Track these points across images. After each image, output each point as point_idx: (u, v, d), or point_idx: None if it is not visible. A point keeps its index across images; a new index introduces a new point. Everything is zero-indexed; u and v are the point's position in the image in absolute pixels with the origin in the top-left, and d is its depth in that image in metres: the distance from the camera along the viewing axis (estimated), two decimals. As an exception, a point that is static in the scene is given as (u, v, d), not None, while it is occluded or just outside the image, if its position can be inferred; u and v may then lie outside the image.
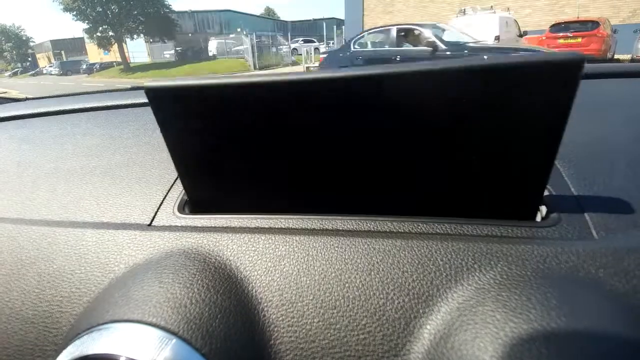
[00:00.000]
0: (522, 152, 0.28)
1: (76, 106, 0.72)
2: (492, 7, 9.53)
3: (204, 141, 0.33)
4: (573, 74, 0.24)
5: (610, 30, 8.49)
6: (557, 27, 8.51)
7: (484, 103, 0.27)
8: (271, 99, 0.30)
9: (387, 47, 6.45)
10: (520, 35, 9.77)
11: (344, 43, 7.46)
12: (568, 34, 8.17)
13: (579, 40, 8.04)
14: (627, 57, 8.48)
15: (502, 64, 0.25)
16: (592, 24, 8.13)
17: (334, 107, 0.29)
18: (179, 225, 0.36)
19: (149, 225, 0.37)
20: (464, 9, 9.54)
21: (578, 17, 8.90)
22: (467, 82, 0.26)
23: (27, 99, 1.00)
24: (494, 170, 0.30)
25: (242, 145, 0.33)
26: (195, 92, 0.30)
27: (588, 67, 0.62)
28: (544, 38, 8.58)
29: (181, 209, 0.38)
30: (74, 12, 24.95)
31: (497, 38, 8.51)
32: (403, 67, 0.27)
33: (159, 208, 0.38)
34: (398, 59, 5.88)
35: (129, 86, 1.03)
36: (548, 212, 0.31)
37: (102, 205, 0.41)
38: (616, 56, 8.97)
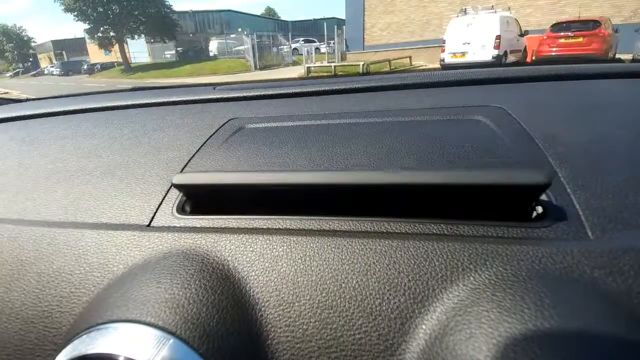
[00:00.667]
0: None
1: (77, 107, 0.73)
2: (492, 6, 9.52)
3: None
4: (542, 189, 0.29)
5: (611, 29, 8.46)
6: (558, 27, 8.48)
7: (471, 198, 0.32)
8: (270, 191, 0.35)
9: None
10: (521, 35, 9.76)
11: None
12: (569, 33, 8.14)
13: (580, 39, 8.01)
14: (629, 56, 8.46)
15: (484, 184, 0.30)
16: (593, 24, 8.10)
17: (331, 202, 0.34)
18: (178, 225, 0.36)
19: (148, 225, 0.37)
20: (465, 9, 9.54)
21: (579, 17, 8.87)
22: (455, 191, 0.31)
23: (28, 99, 1.01)
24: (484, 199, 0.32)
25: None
26: (207, 185, 0.36)
27: (586, 67, 0.63)
28: (544, 37, 8.56)
29: (180, 209, 0.38)
30: (75, 13, 25.01)
31: (498, 37, 8.51)
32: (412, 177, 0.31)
33: (157, 209, 0.39)
34: None
35: (130, 87, 1.03)
36: (544, 213, 0.31)
37: (102, 205, 0.41)
38: (617, 55, 8.94)
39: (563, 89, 0.57)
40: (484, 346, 0.22)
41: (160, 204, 0.39)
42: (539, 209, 0.32)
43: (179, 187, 0.35)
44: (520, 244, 0.28)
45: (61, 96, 0.98)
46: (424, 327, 0.26)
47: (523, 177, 0.28)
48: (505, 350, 0.21)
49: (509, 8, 10.34)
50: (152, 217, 0.38)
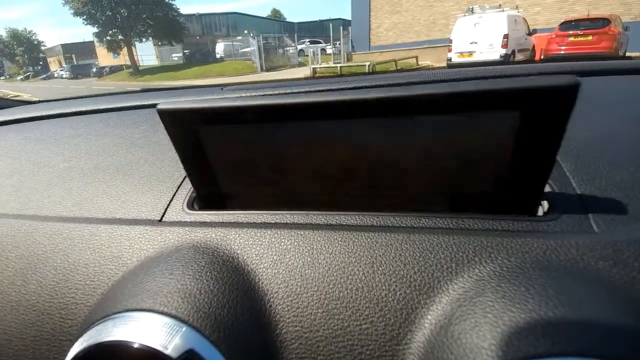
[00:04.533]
0: (520, 160, 0.29)
1: (88, 108, 0.74)
2: (500, 5, 9.45)
3: (211, 156, 0.36)
4: (569, 97, 0.25)
5: (621, 27, 8.34)
6: (567, 25, 8.37)
7: (479, 124, 0.29)
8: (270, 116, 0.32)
9: None
10: (530, 34, 9.67)
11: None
12: (578, 31, 8.05)
13: (590, 38, 7.92)
14: (639, 54, 8.33)
15: (500, 89, 0.26)
16: (602, 22, 7.99)
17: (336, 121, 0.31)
18: (188, 220, 0.37)
19: (160, 220, 0.38)
20: (472, 8, 9.48)
21: (588, 15, 8.76)
22: (463, 104, 0.28)
23: (40, 101, 1.03)
24: (491, 172, 0.31)
25: (247, 157, 0.35)
26: (198, 113, 0.33)
27: (592, 64, 0.62)
28: (553, 36, 8.47)
29: (190, 205, 0.39)
30: (84, 17, 25.36)
31: (506, 36, 8.44)
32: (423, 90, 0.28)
33: (169, 204, 0.40)
34: None
35: (139, 88, 1.05)
36: (549, 206, 0.31)
37: (115, 202, 0.42)
38: (628, 54, 8.81)
39: None
40: (489, 335, 0.23)
41: (171, 200, 0.40)
42: (545, 204, 0.32)
43: (162, 114, 0.33)
44: (526, 237, 0.28)
45: (72, 98, 1.00)
46: (429, 317, 0.26)
47: (551, 82, 0.25)
48: (509, 339, 0.22)
49: (517, 7, 10.26)
50: (164, 213, 0.39)
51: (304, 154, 0.33)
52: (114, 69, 30.87)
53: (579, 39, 8.01)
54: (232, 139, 0.34)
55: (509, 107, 0.27)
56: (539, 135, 0.28)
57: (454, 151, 0.30)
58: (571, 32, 8.16)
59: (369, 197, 0.35)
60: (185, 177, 0.43)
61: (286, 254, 0.32)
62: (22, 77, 43.51)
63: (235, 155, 0.35)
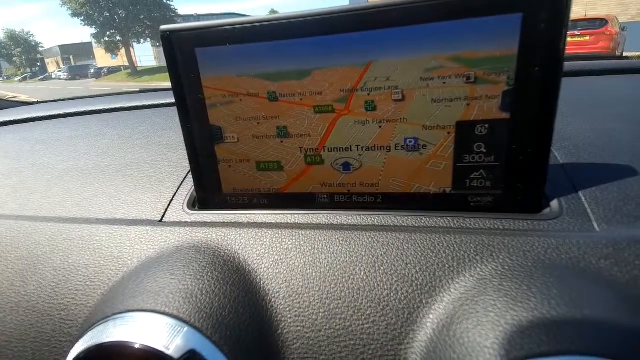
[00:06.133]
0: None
1: (87, 109, 0.74)
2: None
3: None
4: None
5: (618, 27, 8.36)
6: (564, 25, 8.38)
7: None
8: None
9: None
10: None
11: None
12: (576, 32, 8.05)
13: (587, 38, 7.93)
14: (637, 54, 8.37)
15: None
16: (600, 22, 8.01)
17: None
18: (189, 221, 0.37)
19: (160, 221, 0.38)
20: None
21: (586, 15, 8.79)
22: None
23: (38, 102, 1.03)
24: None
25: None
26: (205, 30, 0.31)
27: (593, 64, 0.63)
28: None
29: (190, 205, 0.39)
30: (82, 17, 25.36)
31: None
32: None
33: (169, 205, 0.39)
34: None
35: (138, 89, 1.05)
36: (550, 206, 0.31)
37: (115, 202, 0.42)
38: (625, 54, 8.85)
39: (568, 85, 0.57)
40: (491, 333, 0.23)
41: (172, 200, 0.40)
42: (546, 203, 0.32)
43: (166, 34, 0.32)
44: (527, 236, 0.28)
45: (71, 99, 0.99)
46: (431, 316, 0.26)
47: None
48: (512, 337, 0.22)
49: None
50: (164, 213, 0.39)
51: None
52: (112, 70, 30.85)
53: (577, 39, 8.01)
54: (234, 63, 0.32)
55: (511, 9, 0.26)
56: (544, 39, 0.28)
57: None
58: (569, 32, 8.15)
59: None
60: (185, 176, 0.43)
61: (287, 254, 0.32)
62: (19, 78, 43.39)
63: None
